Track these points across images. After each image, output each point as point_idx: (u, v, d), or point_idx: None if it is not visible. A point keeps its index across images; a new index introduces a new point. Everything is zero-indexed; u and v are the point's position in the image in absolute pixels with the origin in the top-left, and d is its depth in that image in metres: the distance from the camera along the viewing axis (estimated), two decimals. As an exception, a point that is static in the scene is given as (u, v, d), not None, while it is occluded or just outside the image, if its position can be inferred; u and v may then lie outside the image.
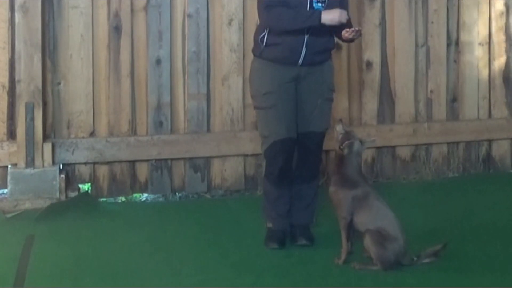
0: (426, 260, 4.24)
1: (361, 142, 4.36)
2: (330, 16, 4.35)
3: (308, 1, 4.40)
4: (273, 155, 4.52)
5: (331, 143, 5.23)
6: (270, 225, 4.62)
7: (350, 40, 4.50)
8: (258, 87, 4.54)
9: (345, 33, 4.38)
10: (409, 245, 4.22)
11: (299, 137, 4.56)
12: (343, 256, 4.27)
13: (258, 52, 4.54)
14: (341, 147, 4.29)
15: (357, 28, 4.39)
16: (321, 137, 4.61)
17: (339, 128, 4.38)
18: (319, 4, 4.41)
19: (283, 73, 4.47)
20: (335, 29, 4.48)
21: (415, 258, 4.22)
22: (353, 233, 4.29)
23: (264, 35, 4.48)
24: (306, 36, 4.42)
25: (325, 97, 4.57)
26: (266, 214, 4.65)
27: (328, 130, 4.66)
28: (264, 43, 4.48)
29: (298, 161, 4.61)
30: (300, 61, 4.45)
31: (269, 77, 4.48)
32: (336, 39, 4.59)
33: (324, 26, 4.37)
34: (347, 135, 4.34)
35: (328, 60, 4.60)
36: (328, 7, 4.42)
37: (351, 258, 4.28)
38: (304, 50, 4.43)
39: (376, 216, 4.22)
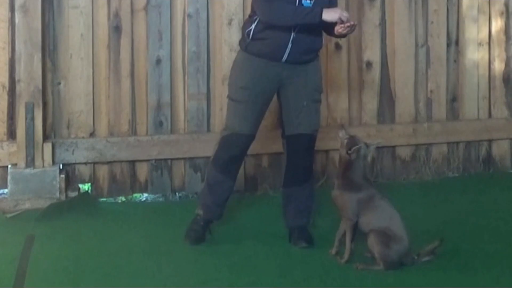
0: (426, 258, 4.25)
1: (367, 145, 4.34)
2: (331, 14, 4.28)
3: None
4: (228, 145, 4.51)
5: (331, 144, 5.26)
6: (200, 212, 4.62)
7: (343, 36, 4.47)
8: (236, 79, 4.51)
9: (339, 28, 4.32)
10: (411, 245, 4.23)
11: (288, 139, 4.55)
12: (346, 256, 4.27)
13: (243, 45, 4.50)
14: (349, 152, 4.26)
15: (352, 23, 4.31)
16: (311, 139, 4.56)
17: (342, 134, 4.35)
18: (308, 1, 4.38)
19: (265, 69, 4.43)
20: (326, 27, 4.43)
21: (415, 257, 4.23)
22: (356, 233, 4.29)
23: (251, 29, 4.44)
24: (292, 33, 4.37)
25: (311, 99, 4.52)
26: (201, 200, 4.66)
27: (318, 131, 4.63)
28: (250, 37, 4.44)
29: (288, 163, 4.59)
30: (284, 58, 4.40)
31: (249, 72, 4.45)
32: (325, 35, 4.57)
33: (323, 23, 4.31)
34: (352, 140, 4.31)
35: (314, 60, 4.54)
36: (315, 5, 4.37)
37: (352, 258, 4.29)
38: (289, 46, 4.38)
39: (382, 216, 4.23)
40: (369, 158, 4.36)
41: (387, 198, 4.33)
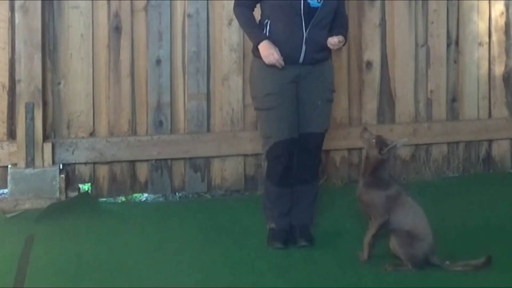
0: (459, 268, 4.18)
1: (395, 143, 4.33)
2: (267, 54, 4.38)
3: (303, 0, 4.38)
4: (275, 156, 4.51)
5: (331, 144, 5.27)
6: (272, 225, 4.60)
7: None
8: (259, 89, 4.52)
9: (330, 45, 4.45)
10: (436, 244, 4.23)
11: (299, 138, 4.55)
12: (366, 251, 4.26)
13: (258, 52, 4.50)
14: (382, 152, 4.26)
15: (340, 39, 4.41)
16: (321, 138, 4.60)
17: (367, 135, 4.34)
18: (315, 1, 4.40)
19: (284, 74, 4.45)
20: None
21: (447, 262, 4.20)
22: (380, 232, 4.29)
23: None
24: (305, 34, 4.40)
25: (325, 98, 4.56)
26: (268, 215, 4.64)
27: (328, 131, 4.66)
28: None
29: (298, 162, 4.59)
30: (301, 59, 4.43)
31: (270, 78, 4.46)
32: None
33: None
34: (381, 139, 4.31)
35: (328, 59, 4.58)
36: (324, 5, 4.40)
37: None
38: (304, 47, 4.42)
39: (410, 213, 4.23)
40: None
41: (411, 195, 4.34)
